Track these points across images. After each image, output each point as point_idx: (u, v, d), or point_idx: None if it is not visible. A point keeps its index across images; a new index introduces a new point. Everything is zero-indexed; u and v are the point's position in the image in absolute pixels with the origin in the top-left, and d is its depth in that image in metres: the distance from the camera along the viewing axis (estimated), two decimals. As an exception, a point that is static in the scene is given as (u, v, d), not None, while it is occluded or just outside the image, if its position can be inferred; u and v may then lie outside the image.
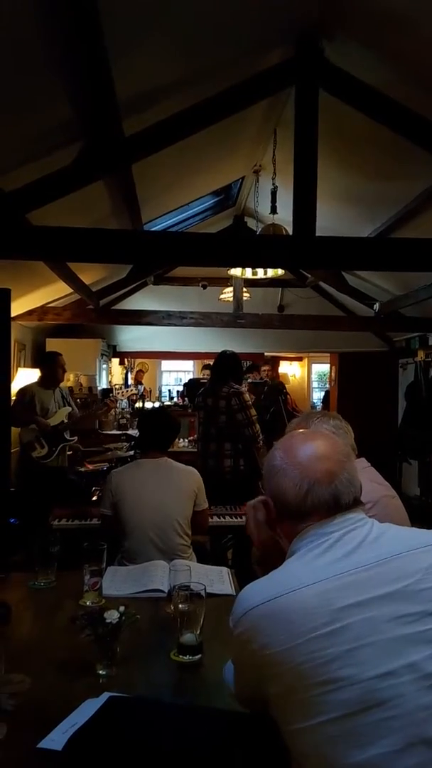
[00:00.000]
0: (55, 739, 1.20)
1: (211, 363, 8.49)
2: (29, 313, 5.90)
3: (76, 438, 4.85)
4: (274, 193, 4.21)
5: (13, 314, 4.24)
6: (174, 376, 13.10)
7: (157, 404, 8.46)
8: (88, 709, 1.29)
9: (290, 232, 3.17)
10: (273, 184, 4.21)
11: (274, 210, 4.23)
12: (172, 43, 2.60)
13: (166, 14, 2.34)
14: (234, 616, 1.07)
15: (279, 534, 1.19)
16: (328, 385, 9.47)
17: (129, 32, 2.34)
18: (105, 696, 1.34)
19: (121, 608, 1.53)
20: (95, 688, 1.41)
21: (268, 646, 0.99)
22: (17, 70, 2.31)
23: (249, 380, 6.78)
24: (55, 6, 1.99)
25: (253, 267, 4.52)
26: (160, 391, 11.57)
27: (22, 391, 4.68)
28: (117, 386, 7.95)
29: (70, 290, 5.50)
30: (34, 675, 1.46)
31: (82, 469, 4.61)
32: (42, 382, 4.79)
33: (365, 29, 2.71)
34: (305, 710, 0.96)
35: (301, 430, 1.37)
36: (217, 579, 2.15)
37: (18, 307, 5.35)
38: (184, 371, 12.78)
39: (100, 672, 1.49)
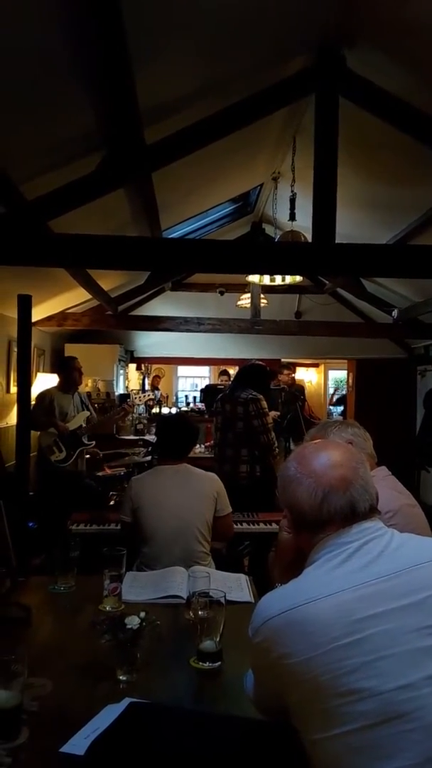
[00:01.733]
0: (77, 744, 1.20)
1: (228, 368, 8.47)
2: (49, 318, 5.96)
3: (94, 442, 4.88)
4: (292, 200, 4.22)
5: (33, 320, 4.29)
6: (190, 382, 13.13)
7: (174, 410, 8.48)
8: (109, 714, 1.30)
9: (309, 238, 3.17)
10: (292, 191, 4.21)
11: (292, 217, 4.23)
12: (194, 51, 2.62)
13: (188, 23, 2.36)
14: (253, 626, 1.08)
15: (298, 546, 1.20)
16: (344, 391, 9.42)
17: (152, 41, 2.36)
18: (126, 701, 1.35)
19: (142, 614, 1.54)
20: (116, 694, 1.42)
21: (287, 656, 1.00)
22: (40, 79, 2.35)
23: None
24: (79, 15, 2.03)
25: (272, 274, 4.52)
26: (177, 397, 11.60)
27: (42, 395, 4.74)
28: (134, 391, 7.99)
29: (89, 296, 5.55)
30: (55, 679, 1.48)
31: (100, 474, 4.64)
32: (61, 387, 4.85)
33: (387, 37, 2.72)
34: (325, 720, 0.96)
35: (314, 441, 1.38)
36: (235, 586, 2.15)
37: (38, 312, 5.41)
38: (201, 377, 12.81)
39: (121, 677, 1.50)
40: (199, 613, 1.64)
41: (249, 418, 4.07)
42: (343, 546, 1.09)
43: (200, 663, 1.60)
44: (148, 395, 7.16)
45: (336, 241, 2.95)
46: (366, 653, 0.95)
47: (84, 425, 4.75)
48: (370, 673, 0.94)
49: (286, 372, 7.06)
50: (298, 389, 7.14)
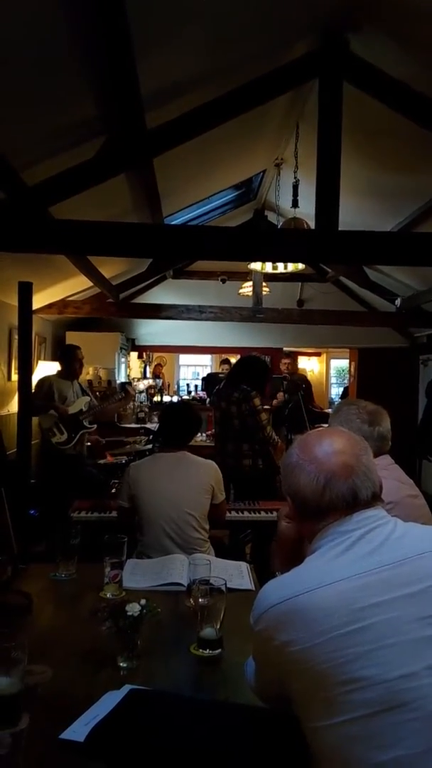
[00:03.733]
0: (77, 731, 1.20)
1: (230, 356, 8.44)
2: (49, 306, 5.94)
3: (95, 426, 4.87)
4: (295, 187, 4.18)
5: (34, 307, 4.27)
6: (192, 370, 13.10)
7: (175, 398, 8.48)
8: (109, 701, 1.30)
9: (312, 226, 3.14)
10: (295, 177, 4.17)
11: (295, 204, 4.19)
12: (196, 35, 2.58)
13: (191, 7, 2.33)
14: (255, 613, 1.07)
15: (301, 535, 1.19)
16: (347, 382, 9.41)
17: (154, 26, 2.33)
18: (126, 688, 1.35)
19: (143, 601, 1.54)
20: (116, 680, 1.42)
21: (289, 643, 0.99)
22: (41, 64, 2.31)
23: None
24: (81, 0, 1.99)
25: (275, 261, 4.49)
26: (178, 385, 11.59)
27: (41, 381, 4.74)
28: (135, 379, 7.98)
29: (90, 284, 5.53)
30: (56, 666, 1.48)
31: (102, 461, 4.64)
32: (61, 374, 4.84)
33: (391, 21, 2.67)
34: (327, 708, 0.96)
35: (316, 429, 1.38)
36: (236, 574, 2.15)
37: (39, 300, 5.39)
38: (202, 365, 12.77)
39: (121, 664, 1.50)
40: (200, 600, 1.64)
41: (243, 417, 4.06)
42: (345, 534, 1.08)
43: (200, 650, 1.60)
44: (149, 382, 7.13)
45: (339, 229, 2.93)
46: (368, 642, 0.95)
47: (84, 409, 4.74)
48: (372, 661, 0.94)
49: (284, 361, 7.03)
50: (300, 378, 7.12)
